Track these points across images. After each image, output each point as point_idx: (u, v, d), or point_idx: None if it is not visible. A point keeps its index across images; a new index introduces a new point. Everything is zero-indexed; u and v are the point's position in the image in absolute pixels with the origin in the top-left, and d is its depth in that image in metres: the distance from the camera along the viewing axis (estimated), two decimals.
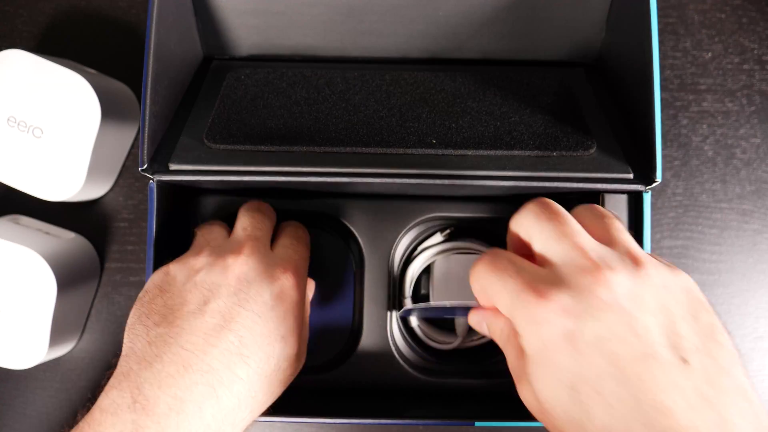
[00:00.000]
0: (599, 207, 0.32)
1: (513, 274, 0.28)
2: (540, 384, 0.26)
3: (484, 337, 0.43)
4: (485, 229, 0.43)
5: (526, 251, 0.30)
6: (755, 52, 0.50)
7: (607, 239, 0.29)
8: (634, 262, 0.27)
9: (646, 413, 0.23)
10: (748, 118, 0.49)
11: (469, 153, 0.36)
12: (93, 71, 0.46)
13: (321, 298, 0.44)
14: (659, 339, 0.25)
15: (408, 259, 0.43)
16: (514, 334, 0.28)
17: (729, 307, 0.48)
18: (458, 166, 0.35)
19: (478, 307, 0.32)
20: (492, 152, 0.36)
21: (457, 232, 0.43)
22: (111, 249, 0.48)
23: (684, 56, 0.50)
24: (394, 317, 0.42)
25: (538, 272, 0.28)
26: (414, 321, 0.43)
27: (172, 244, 0.39)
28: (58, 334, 0.44)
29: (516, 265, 0.28)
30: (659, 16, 0.49)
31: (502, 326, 0.29)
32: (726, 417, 0.23)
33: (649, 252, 0.35)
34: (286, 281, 0.33)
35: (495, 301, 0.29)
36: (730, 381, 0.24)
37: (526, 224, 0.30)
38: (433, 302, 0.42)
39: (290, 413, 0.36)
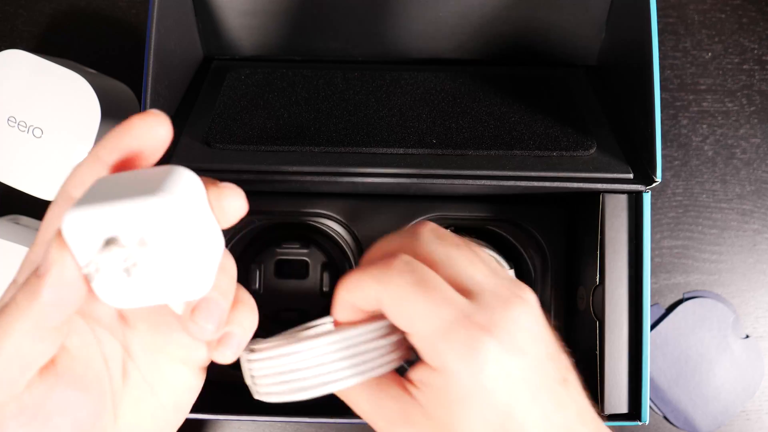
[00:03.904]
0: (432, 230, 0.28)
1: (447, 301, 0.24)
2: (469, 427, 0.24)
3: None
4: (485, 229, 0.43)
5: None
6: (755, 52, 0.50)
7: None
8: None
9: None
10: (748, 118, 0.49)
11: (469, 153, 0.36)
12: (93, 71, 0.46)
13: (321, 298, 0.44)
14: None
15: None
16: (423, 369, 0.25)
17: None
18: (458, 166, 0.35)
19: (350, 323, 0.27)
20: (492, 152, 0.36)
21: (457, 232, 0.43)
22: None
23: (684, 56, 0.50)
24: None
25: (468, 304, 0.25)
26: None
27: None
28: None
29: (448, 290, 0.25)
30: (659, 16, 0.49)
31: (396, 357, 0.27)
32: None
33: (649, 252, 0.35)
34: None
35: (412, 325, 0.25)
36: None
37: (426, 246, 0.27)
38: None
39: (290, 413, 0.36)
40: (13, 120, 0.42)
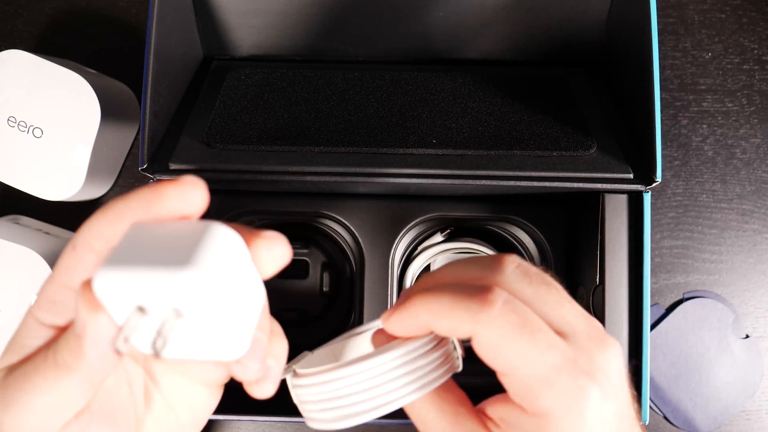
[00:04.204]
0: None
1: (551, 345, 0.23)
2: None
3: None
4: (485, 229, 0.44)
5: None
6: (755, 52, 0.50)
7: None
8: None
9: None
10: (748, 118, 0.49)
11: (469, 153, 0.36)
12: (93, 71, 0.46)
13: (321, 297, 0.44)
14: None
15: (408, 259, 0.43)
16: (509, 409, 0.25)
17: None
18: (458, 166, 0.35)
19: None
20: (492, 152, 0.36)
21: (457, 232, 0.43)
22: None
23: (684, 56, 0.50)
24: None
25: (567, 347, 0.24)
26: None
27: None
28: None
29: (550, 333, 0.24)
30: (659, 16, 0.49)
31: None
32: None
33: (649, 252, 0.35)
34: None
35: (512, 367, 0.24)
36: None
37: (514, 284, 0.25)
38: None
39: (290, 413, 0.36)
40: (13, 120, 0.42)
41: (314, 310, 0.44)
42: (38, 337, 0.23)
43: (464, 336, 0.24)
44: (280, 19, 0.42)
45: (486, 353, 0.24)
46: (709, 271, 0.49)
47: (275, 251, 0.22)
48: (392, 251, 0.41)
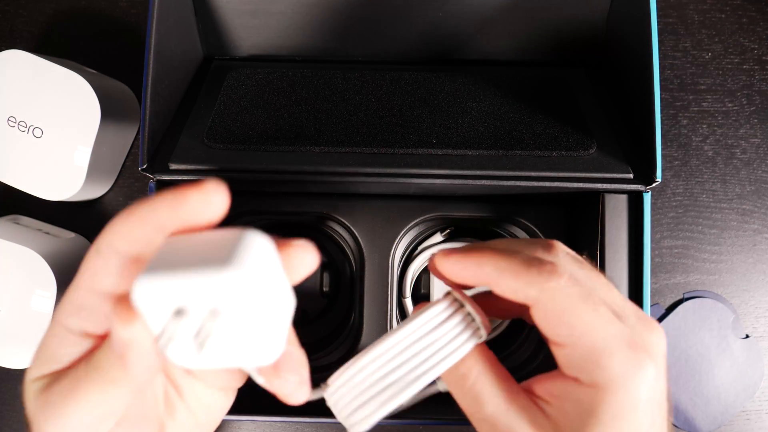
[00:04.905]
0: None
1: (612, 319, 0.24)
2: None
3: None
4: (485, 229, 0.44)
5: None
6: (755, 52, 0.50)
7: None
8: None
9: None
10: (748, 118, 0.49)
11: (469, 153, 0.36)
12: (93, 71, 0.46)
13: (321, 297, 0.44)
14: None
15: (408, 259, 0.43)
16: (558, 384, 0.25)
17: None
18: (458, 166, 0.35)
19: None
20: (492, 152, 0.36)
21: (457, 232, 0.43)
22: None
23: (684, 56, 0.50)
24: (394, 317, 0.42)
25: (623, 325, 0.25)
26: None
27: None
28: None
29: (608, 309, 0.24)
30: (659, 16, 0.49)
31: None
32: None
33: (649, 252, 0.35)
34: None
35: (573, 336, 0.24)
36: None
37: (567, 265, 0.25)
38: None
39: (290, 413, 0.36)
40: (13, 120, 0.42)
41: (314, 310, 0.44)
42: (69, 344, 0.23)
43: (523, 299, 0.25)
44: (280, 19, 0.42)
45: (548, 321, 0.24)
46: (709, 271, 0.49)
47: (306, 259, 0.23)
48: (392, 251, 0.41)
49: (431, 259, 0.27)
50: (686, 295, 0.49)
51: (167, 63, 0.37)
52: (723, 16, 0.50)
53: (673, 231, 0.49)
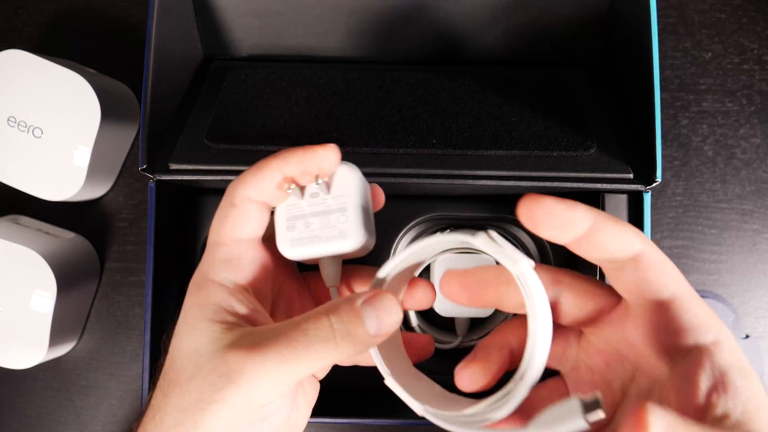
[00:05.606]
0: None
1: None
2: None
3: (484, 336, 0.43)
4: (485, 229, 0.43)
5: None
6: (755, 52, 0.50)
7: None
8: None
9: None
10: (748, 118, 0.49)
11: (469, 153, 0.36)
12: (93, 71, 0.46)
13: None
14: None
15: None
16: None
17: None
18: (458, 166, 0.35)
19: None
20: (492, 152, 0.36)
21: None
22: (111, 249, 0.48)
23: (684, 56, 0.50)
24: None
25: None
26: (414, 321, 0.43)
27: (172, 244, 0.39)
28: (58, 334, 0.44)
29: None
30: (659, 16, 0.49)
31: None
32: None
33: None
34: None
35: (678, 284, 0.25)
36: None
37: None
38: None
39: None
40: (13, 120, 0.42)
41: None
42: (234, 301, 0.25)
43: (626, 251, 0.24)
44: (280, 19, 0.42)
45: (651, 268, 0.25)
46: (709, 271, 0.49)
47: (427, 295, 0.30)
48: (392, 251, 0.41)
49: (521, 200, 0.26)
50: None
51: (167, 63, 0.37)
52: (723, 16, 0.50)
53: (673, 231, 0.49)
